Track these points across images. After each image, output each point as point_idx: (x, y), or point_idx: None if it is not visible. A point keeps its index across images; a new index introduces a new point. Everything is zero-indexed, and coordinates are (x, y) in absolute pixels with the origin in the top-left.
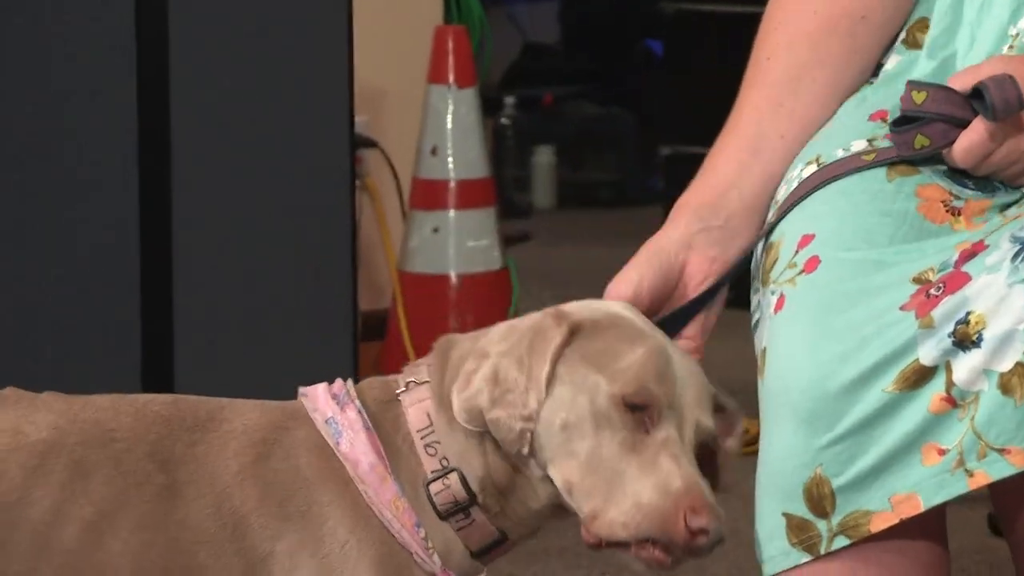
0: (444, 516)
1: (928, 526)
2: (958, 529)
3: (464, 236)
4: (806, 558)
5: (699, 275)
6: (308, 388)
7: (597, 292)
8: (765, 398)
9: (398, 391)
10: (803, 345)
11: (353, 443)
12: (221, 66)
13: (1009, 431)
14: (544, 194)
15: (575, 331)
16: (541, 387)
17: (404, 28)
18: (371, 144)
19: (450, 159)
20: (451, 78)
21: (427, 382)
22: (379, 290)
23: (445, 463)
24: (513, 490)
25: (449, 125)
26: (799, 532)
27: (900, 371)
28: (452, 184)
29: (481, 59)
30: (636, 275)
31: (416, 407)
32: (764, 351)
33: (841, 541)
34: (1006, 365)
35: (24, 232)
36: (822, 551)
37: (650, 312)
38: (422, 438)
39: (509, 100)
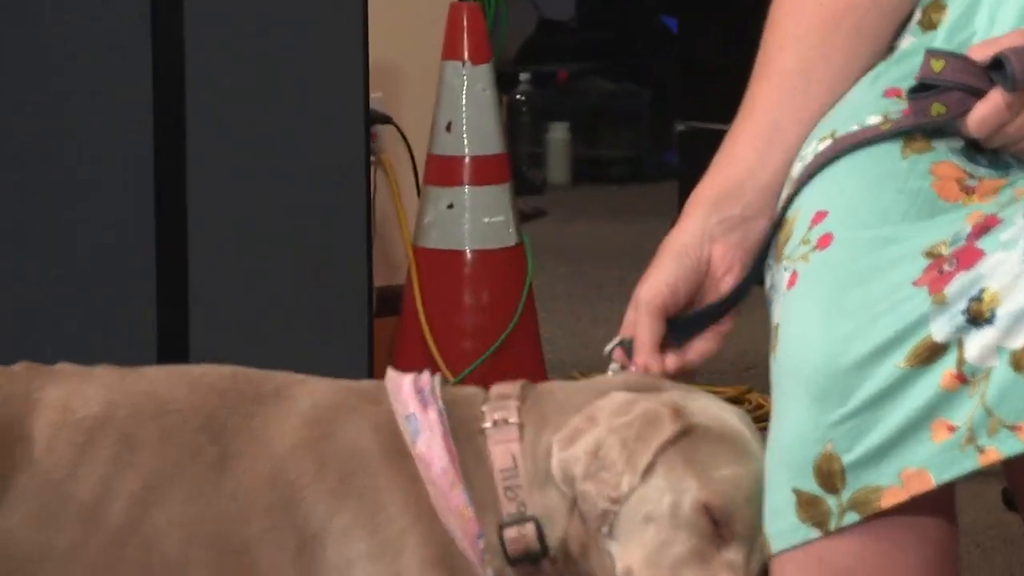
0: (513, 562)
1: (937, 502)
2: (972, 504)
3: (479, 212)
4: (815, 534)
5: (725, 263)
6: (394, 374)
7: (611, 268)
8: (777, 374)
9: (484, 425)
10: (815, 322)
11: (430, 444)
12: (235, 45)
13: (1020, 408)
14: (559, 170)
15: (686, 432)
16: (637, 475)
17: (419, 5)
18: (386, 120)
19: (465, 135)
20: (466, 54)
21: (518, 424)
22: (394, 266)
23: (523, 509)
24: (585, 556)
25: (464, 101)
26: (808, 508)
27: (912, 347)
28: (467, 160)
29: (496, 35)
30: (667, 277)
31: (502, 447)
32: (776, 327)
33: (851, 517)
34: (1019, 343)
35: (33, 226)
36: (832, 527)
37: (686, 308)
38: (504, 480)
39: (524, 76)
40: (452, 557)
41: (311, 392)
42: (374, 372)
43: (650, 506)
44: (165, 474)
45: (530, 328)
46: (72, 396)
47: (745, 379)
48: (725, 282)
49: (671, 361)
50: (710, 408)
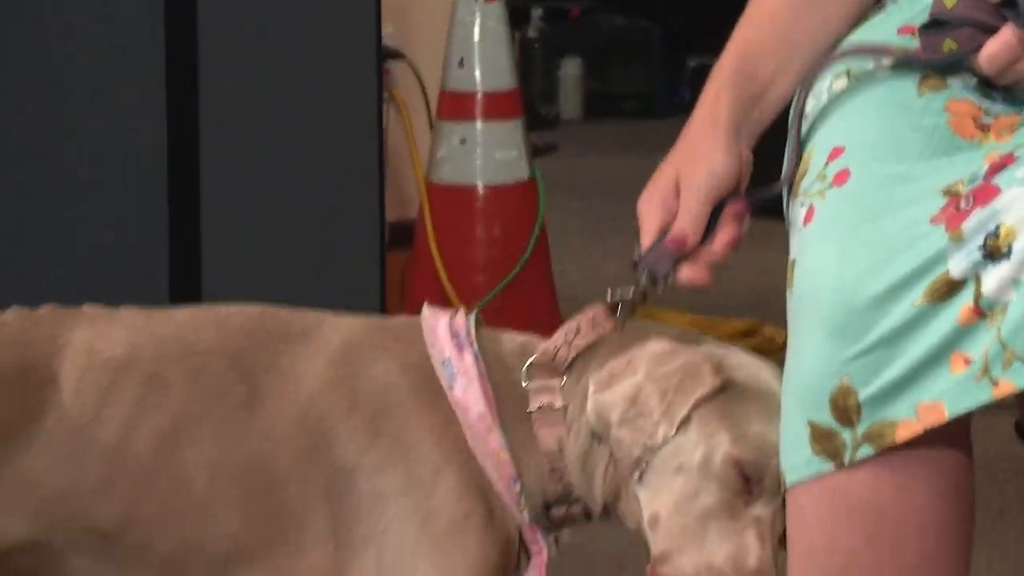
0: (552, 528)
1: (952, 435)
2: (984, 436)
3: (491, 147)
4: (829, 467)
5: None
6: (428, 313)
7: (623, 202)
8: (794, 309)
9: (529, 410)
10: (832, 257)
11: (466, 390)
12: None
13: None
14: (571, 106)
15: (724, 386)
16: (673, 426)
17: None
18: (398, 56)
19: (477, 71)
20: None
21: (563, 407)
22: (406, 201)
23: (569, 489)
24: (615, 500)
25: (476, 37)
26: (823, 442)
27: (929, 283)
28: (479, 95)
29: None
30: (718, 167)
31: (548, 431)
32: (793, 263)
33: (866, 451)
34: None
35: (35, 225)
36: (846, 461)
37: (730, 192)
38: (550, 461)
39: (536, 12)
40: (487, 496)
41: (341, 331)
42: (386, 306)
43: (683, 457)
44: (192, 414)
45: (542, 262)
46: (98, 338)
47: (756, 313)
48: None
49: (720, 243)
50: (747, 364)
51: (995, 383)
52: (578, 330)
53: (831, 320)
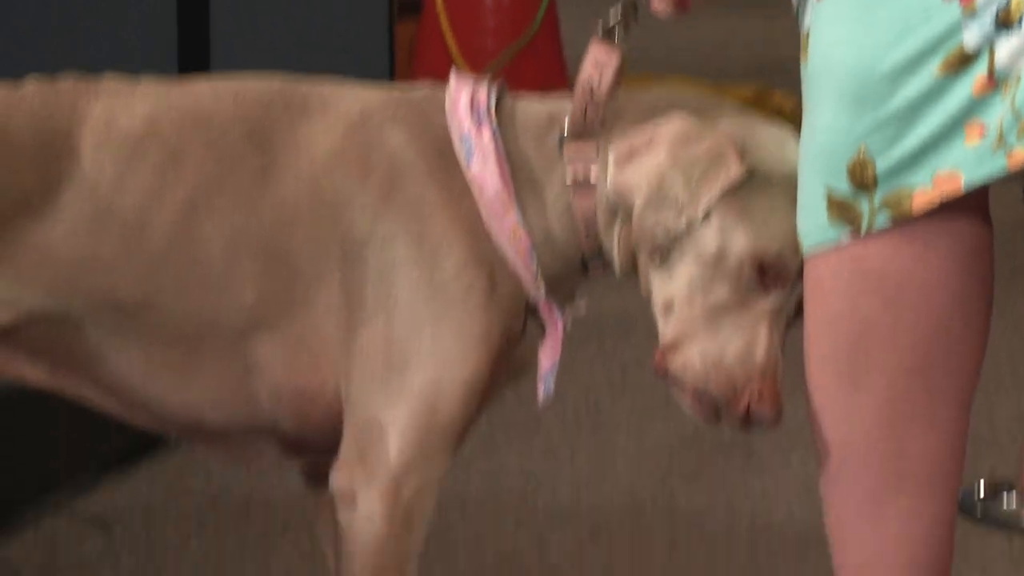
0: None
1: (971, 207)
2: (995, 204)
3: None
4: (846, 232)
5: None
6: (454, 85)
7: None
8: (809, 79)
9: (570, 181)
10: (849, 30)
11: (483, 168)
12: None
13: None
14: None
15: (750, 174)
16: (698, 216)
17: None
18: None
19: None
20: None
21: (601, 173)
22: None
23: (601, 246)
24: (632, 270)
25: None
26: (841, 209)
27: (945, 56)
28: None
29: None
30: None
31: (586, 200)
32: (807, 35)
33: (883, 218)
34: None
35: None
36: (863, 228)
37: None
38: (585, 227)
39: None
40: (492, 270)
41: (359, 102)
42: (395, 75)
43: (702, 248)
44: (209, 186)
45: (552, 28)
46: (117, 111)
47: (765, 81)
48: None
49: None
50: (772, 141)
51: (1010, 152)
52: (592, 81)
53: (849, 91)
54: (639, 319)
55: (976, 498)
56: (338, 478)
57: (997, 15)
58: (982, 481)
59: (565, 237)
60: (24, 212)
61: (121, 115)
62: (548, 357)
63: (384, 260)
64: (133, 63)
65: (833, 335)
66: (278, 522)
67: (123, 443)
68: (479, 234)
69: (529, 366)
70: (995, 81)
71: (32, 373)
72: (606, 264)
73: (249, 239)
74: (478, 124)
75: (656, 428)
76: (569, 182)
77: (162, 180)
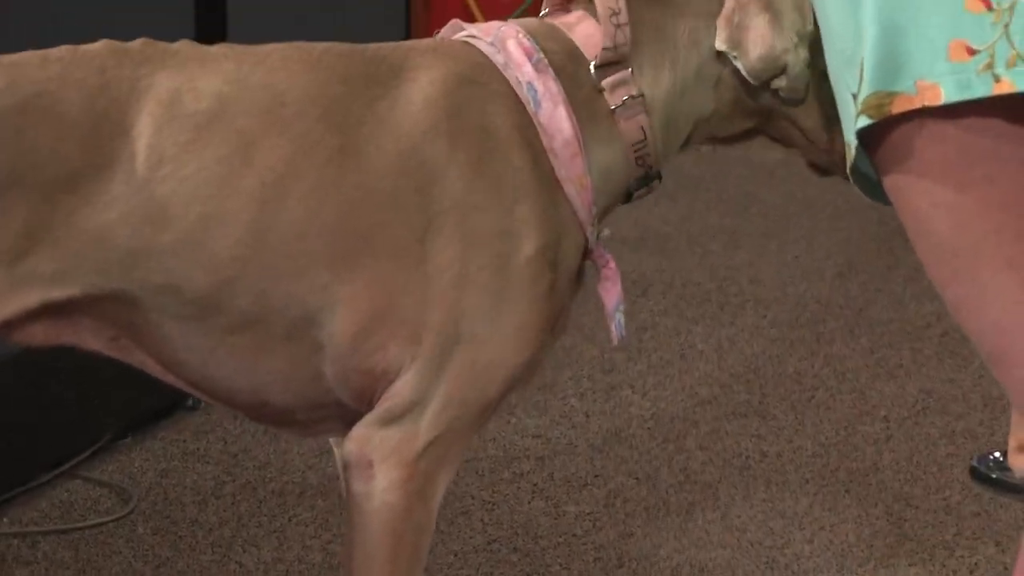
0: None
1: None
2: None
3: None
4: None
5: None
6: (485, 32)
7: None
8: None
9: (614, 107)
10: None
11: (552, 115)
12: None
13: None
14: None
15: None
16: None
17: None
18: None
19: None
20: None
21: (640, 95)
22: None
23: (650, 169)
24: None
25: None
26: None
27: None
28: None
29: None
30: None
31: (632, 122)
32: None
33: (863, 120)
34: None
35: None
36: (855, 127)
37: None
38: (636, 151)
39: None
40: (566, 237)
41: (427, 68)
42: (410, 26)
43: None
44: (283, 171)
45: None
46: (183, 86)
47: None
48: None
49: None
50: None
51: (997, 79)
52: (613, 6)
53: None
54: (655, 281)
55: (992, 465)
56: (354, 445)
57: None
58: (998, 452)
59: (618, 170)
60: (72, 192)
61: (187, 91)
62: (612, 296)
63: (470, 228)
64: (149, 16)
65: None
66: (295, 487)
67: (140, 408)
68: (556, 195)
69: (564, 331)
70: (989, 2)
71: (93, 342)
72: (650, 189)
73: (326, 222)
74: (539, 71)
75: (671, 391)
76: (613, 107)
77: (230, 168)
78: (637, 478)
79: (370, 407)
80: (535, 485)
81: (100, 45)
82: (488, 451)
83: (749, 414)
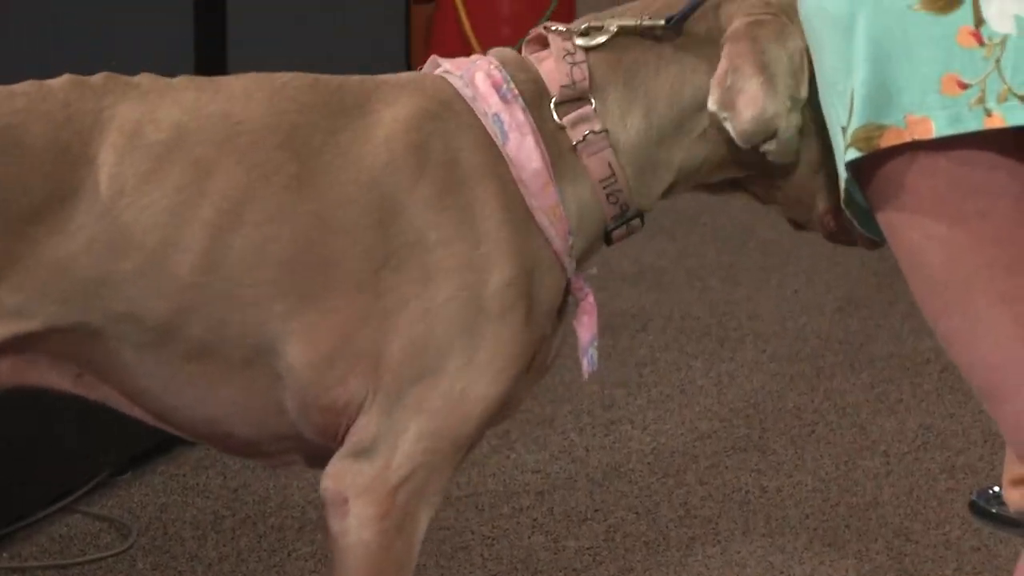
0: (611, 242)
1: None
2: None
3: None
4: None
5: None
6: (456, 66)
7: None
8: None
9: (575, 143)
10: None
11: (520, 146)
12: None
13: None
14: None
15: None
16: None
17: None
18: None
19: None
20: None
21: (604, 131)
22: None
23: (625, 208)
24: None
25: None
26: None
27: None
28: None
29: None
30: None
31: (596, 158)
32: None
33: (852, 153)
34: None
35: None
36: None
37: None
38: (604, 188)
39: None
40: (541, 264)
41: (391, 103)
42: (411, 60)
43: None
44: (239, 199)
45: (569, 14)
46: (143, 117)
47: None
48: None
49: None
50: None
51: (988, 114)
52: (565, 46)
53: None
54: (654, 316)
55: (991, 499)
56: (330, 482)
57: None
58: (997, 487)
59: (591, 206)
60: (37, 223)
61: (147, 121)
62: (587, 330)
63: (433, 264)
64: (150, 50)
65: (952, 214)
66: (294, 522)
67: (139, 443)
68: (527, 223)
69: (551, 367)
70: (980, 37)
71: (57, 381)
72: (630, 230)
73: (282, 250)
74: (506, 102)
75: (671, 426)
76: (574, 143)
77: (188, 196)
78: (637, 513)
79: (336, 442)
80: (535, 520)
81: (63, 79)
82: (488, 486)
83: (749, 449)
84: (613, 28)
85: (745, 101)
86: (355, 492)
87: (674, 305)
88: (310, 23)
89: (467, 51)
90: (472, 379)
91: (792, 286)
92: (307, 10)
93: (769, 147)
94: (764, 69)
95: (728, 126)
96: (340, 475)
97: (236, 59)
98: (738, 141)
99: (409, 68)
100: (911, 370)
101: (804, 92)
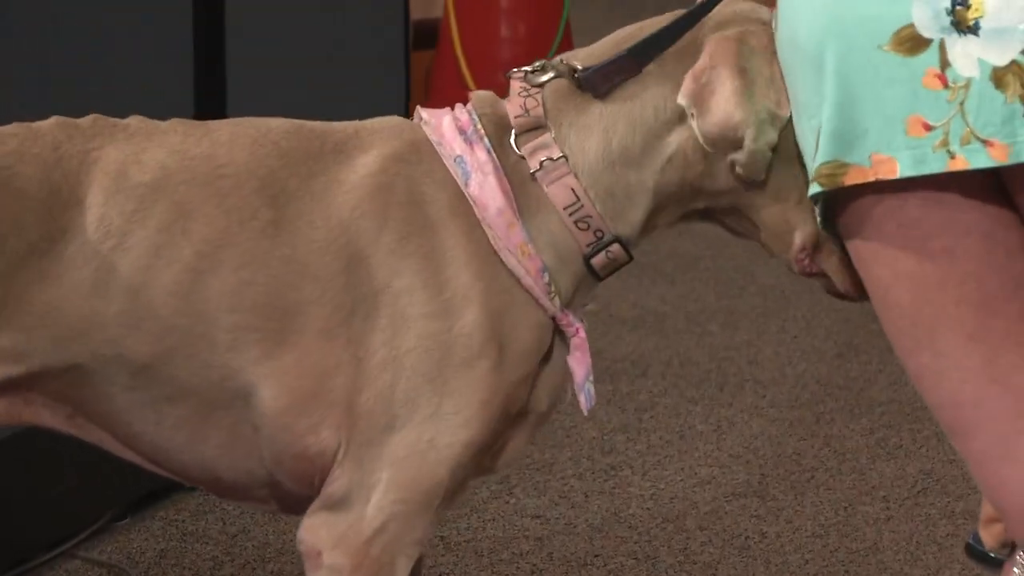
0: (601, 277)
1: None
2: None
3: None
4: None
5: None
6: (430, 114)
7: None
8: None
9: (533, 171)
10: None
11: (482, 186)
12: None
13: (995, 124)
14: None
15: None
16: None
17: None
18: None
19: None
20: None
21: (563, 157)
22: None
23: (600, 234)
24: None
25: None
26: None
27: (895, 32)
28: None
29: None
30: None
31: (557, 184)
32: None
33: (815, 188)
34: (1002, 60)
35: None
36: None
37: None
38: (571, 215)
39: None
40: (515, 304)
41: (369, 146)
42: (410, 106)
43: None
44: (217, 241)
45: None
46: (128, 159)
47: None
48: None
49: None
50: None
51: (952, 156)
52: (522, 84)
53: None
54: (653, 361)
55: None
56: (305, 534)
57: (954, 10)
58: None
59: (562, 236)
60: (29, 265)
61: (133, 163)
62: (580, 366)
63: (398, 312)
64: (149, 94)
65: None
66: (293, 568)
67: (138, 488)
68: (495, 264)
69: (555, 407)
70: (945, 80)
71: (51, 420)
72: (612, 257)
73: (256, 295)
74: (470, 144)
75: (671, 471)
76: (533, 171)
77: (169, 236)
78: (637, 558)
79: (312, 490)
80: (534, 565)
81: (51, 121)
82: (487, 531)
83: (749, 494)
84: (560, 69)
85: (716, 102)
86: (329, 544)
87: (674, 350)
88: (311, 69)
89: (466, 97)
90: (439, 429)
91: (792, 331)
92: (308, 55)
93: (737, 157)
94: (743, 74)
95: (693, 124)
96: (314, 528)
97: (235, 107)
98: (701, 141)
99: (408, 115)
100: (911, 416)
101: (785, 111)
